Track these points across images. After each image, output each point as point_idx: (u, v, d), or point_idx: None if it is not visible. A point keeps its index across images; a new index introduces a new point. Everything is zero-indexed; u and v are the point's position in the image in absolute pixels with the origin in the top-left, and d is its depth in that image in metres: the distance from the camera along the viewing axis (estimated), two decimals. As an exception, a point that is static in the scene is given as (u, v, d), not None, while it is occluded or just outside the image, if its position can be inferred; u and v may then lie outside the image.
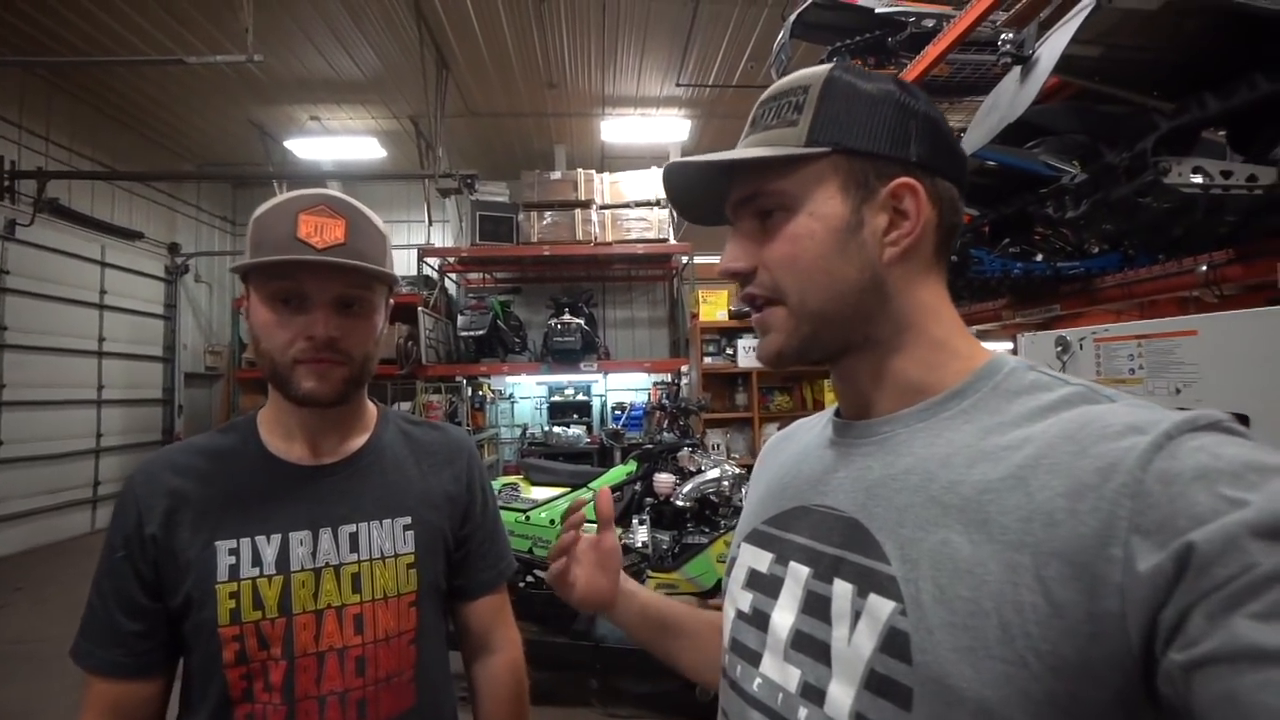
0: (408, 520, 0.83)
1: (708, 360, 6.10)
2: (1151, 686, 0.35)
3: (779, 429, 0.75)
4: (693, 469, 3.15)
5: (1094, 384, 0.46)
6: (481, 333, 5.73)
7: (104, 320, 6.41)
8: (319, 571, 0.77)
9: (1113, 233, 1.53)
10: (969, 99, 1.98)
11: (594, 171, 6.28)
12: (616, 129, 6.91)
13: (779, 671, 0.50)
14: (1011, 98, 1.38)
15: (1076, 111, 1.57)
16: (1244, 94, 1.16)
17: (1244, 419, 0.91)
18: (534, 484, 3.27)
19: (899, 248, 0.50)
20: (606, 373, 6.76)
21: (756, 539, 0.58)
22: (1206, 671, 0.32)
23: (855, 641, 0.45)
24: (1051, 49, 1.26)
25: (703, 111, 6.75)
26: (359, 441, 0.85)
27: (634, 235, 6.18)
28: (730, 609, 0.58)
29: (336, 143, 7.10)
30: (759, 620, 0.54)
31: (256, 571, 0.74)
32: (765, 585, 0.54)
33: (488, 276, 7.34)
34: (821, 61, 0.57)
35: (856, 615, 0.45)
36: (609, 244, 6.15)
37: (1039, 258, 1.77)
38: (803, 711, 0.47)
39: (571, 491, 3.12)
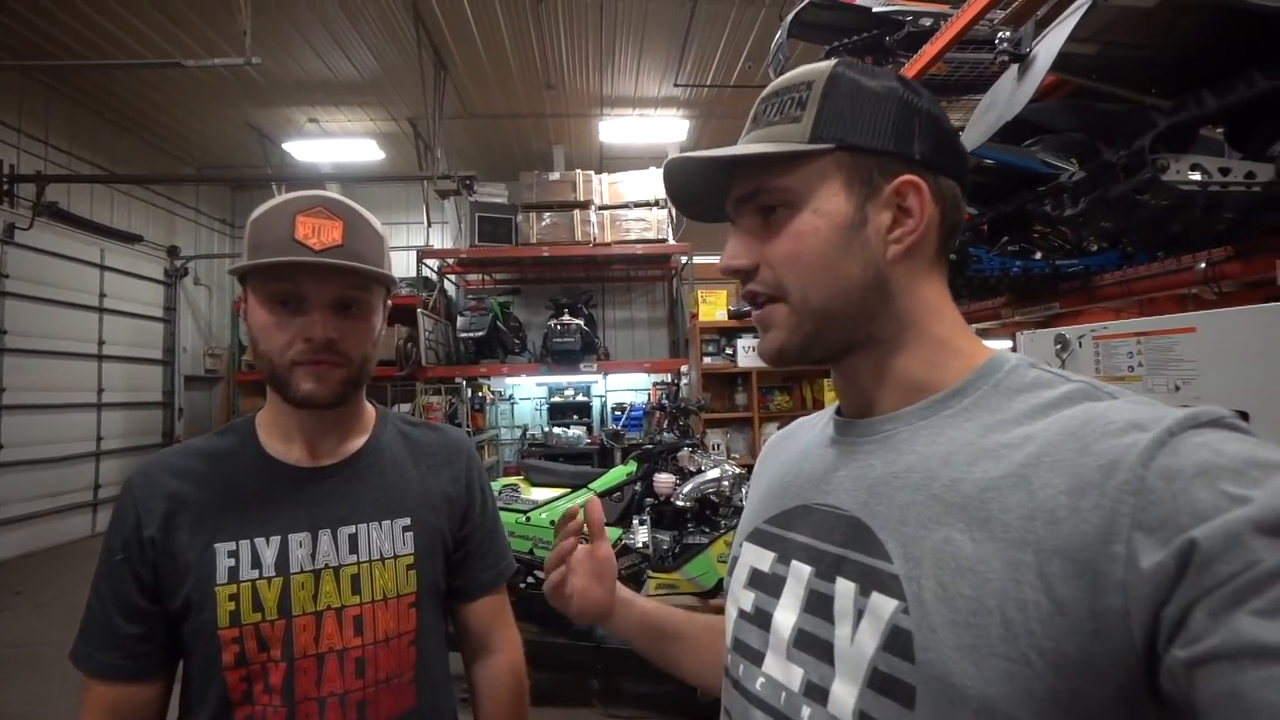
0: (407, 521, 0.83)
1: (707, 360, 6.09)
2: (1154, 683, 0.35)
3: (779, 429, 0.74)
4: (693, 469, 3.15)
5: (1095, 381, 0.46)
6: (481, 334, 5.73)
7: (104, 323, 6.41)
8: (318, 573, 0.77)
9: (1111, 230, 1.53)
10: (967, 97, 1.98)
11: (593, 172, 6.29)
12: (615, 130, 6.91)
13: (782, 671, 0.50)
14: (1009, 96, 1.38)
15: (1074, 109, 1.57)
16: (1241, 91, 1.16)
17: (1244, 415, 0.91)
18: (534, 485, 3.27)
19: (903, 245, 0.50)
20: (606, 373, 6.76)
21: (758, 538, 0.58)
22: (1209, 668, 0.32)
23: (858, 640, 0.44)
24: (1048, 47, 1.26)
25: (701, 111, 6.75)
26: (358, 443, 0.85)
27: (633, 236, 6.18)
28: (732, 608, 0.58)
29: (335, 145, 7.11)
30: (761, 619, 0.53)
31: (256, 573, 0.74)
32: (767, 584, 0.54)
33: (487, 278, 7.34)
34: (821, 60, 0.56)
35: (859, 614, 0.45)
36: (608, 244, 6.16)
37: (1038, 256, 1.77)
38: (806, 710, 0.47)
39: (572, 492, 3.12)
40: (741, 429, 6.08)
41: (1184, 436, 0.37)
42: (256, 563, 0.75)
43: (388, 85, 6.02)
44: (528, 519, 3.00)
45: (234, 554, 0.74)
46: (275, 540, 0.76)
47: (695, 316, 6.09)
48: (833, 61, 0.53)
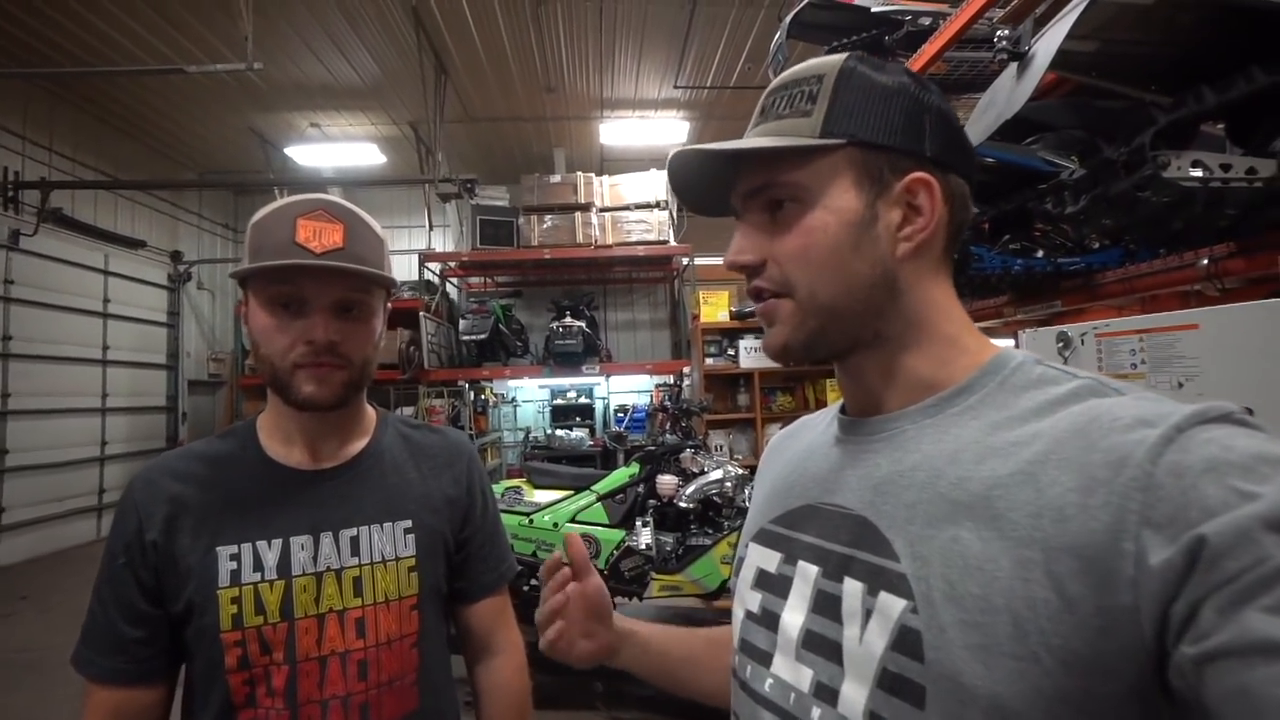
0: (408, 523, 0.83)
1: (709, 361, 6.09)
2: (1165, 680, 0.34)
3: (781, 429, 0.74)
4: (696, 470, 3.15)
5: (1102, 377, 0.45)
6: (483, 336, 5.73)
7: (108, 329, 6.44)
8: (320, 576, 0.77)
9: (1113, 228, 1.52)
10: (966, 96, 1.98)
11: (593, 174, 6.30)
12: (615, 132, 6.93)
13: (791, 671, 0.50)
14: (1008, 94, 1.38)
15: (1074, 107, 1.57)
16: (1241, 87, 1.16)
17: (1248, 411, 0.90)
18: (537, 487, 3.27)
19: (913, 243, 0.50)
20: (608, 375, 6.76)
21: (764, 539, 0.58)
22: (1218, 665, 0.31)
23: (867, 640, 0.44)
24: (1047, 45, 1.26)
25: (701, 113, 6.76)
26: (359, 445, 0.86)
27: (634, 237, 6.18)
28: (739, 609, 0.58)
29: (336, 149, 7.13)
30: (769, 620, 0.53)
31: (258, 576, 0.74)
32: (774, 585, 0.54)
33: (489, 280, 7.35)
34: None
35: (867, 614, 0.45)
36: (609, 246, 6.16)
37: (1039, 254, 1.76)
38: (816, 711, 0.47)
39: (575, 494, 3.12)
40: (744, 430, 6.07)
41: (1192, 432, 0.37)
42: (258, 566, 0.75)
43: (388, 89, 6.03)
44: (531, 521, 3.00)
45: (236, 557, 0.74)
46: (277, 543, 0.76)
47: (697, 318, 6.09)
48: (843, 55, 0.52)
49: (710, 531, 3.03)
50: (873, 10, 1.87)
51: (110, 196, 6.54)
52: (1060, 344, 1.36)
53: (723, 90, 6.28)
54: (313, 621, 0.75)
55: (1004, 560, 0.39)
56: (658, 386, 6.44)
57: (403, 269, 6.35)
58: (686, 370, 6.10)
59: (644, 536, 2.92)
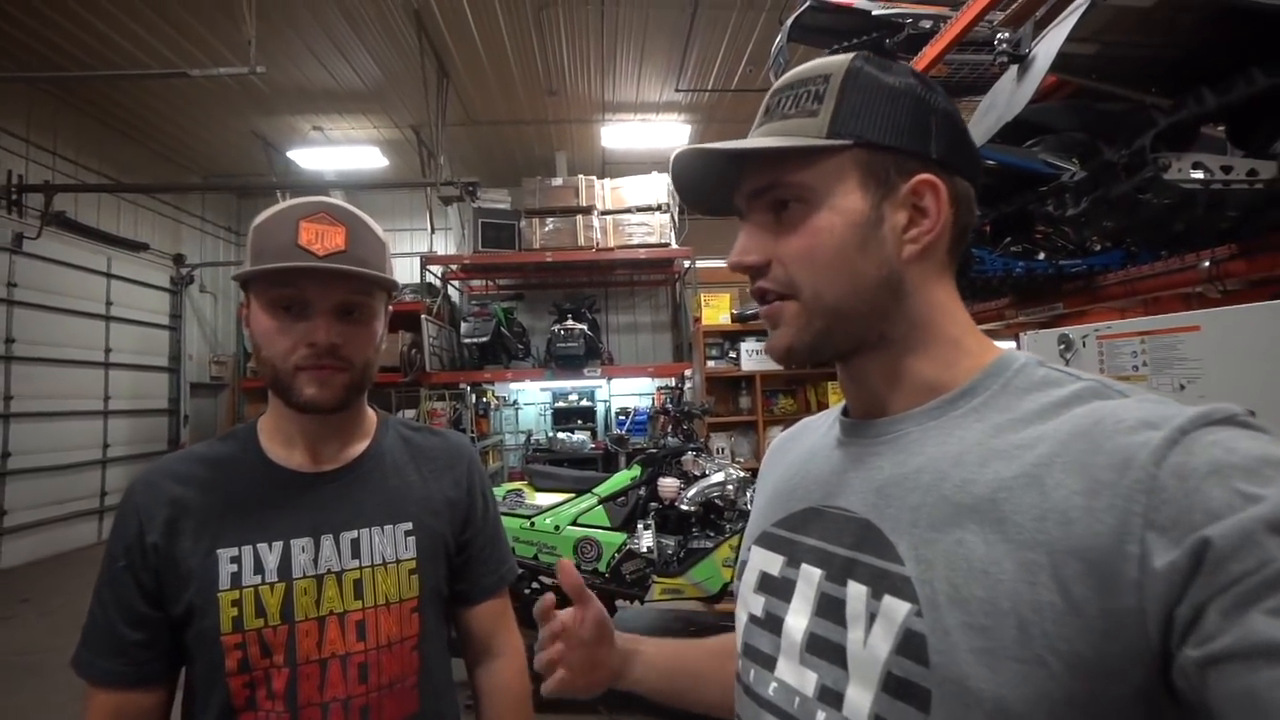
0: (409, 526, 0.83)
1: (711, 364, 6.09)
2: (1170, 682, 0.34)
3: (783, 431, 0.73)
4: (697, 473, 3.15)
5: (1105, 379, 0.45)
6: (485, 339, 5.74)
7: (110, 331, 6.45)
8: (321, 578, 0.77)
9: (1114, 230, 1.52)
10: (967, 99, 1.98)
11: (595, 177, 6.30)
12: (617, 135, 6.93)
13: (795, 675, 0.49)
14: (1009, 97, 1.38)
15: (1075, 109, 1.57)
16: (1241, 89, 1.16)
17: (1249, 414, 0.90)
18: (538, 490, 3.27)
19: (919, 245, 0.50)
20: (610, 378, 6.75)
21: (766, 542, 0.58)
22: (1222, 668, 0.31)
23: (871, 644, 0.44)
24: (1047, 47, 1.26)
25: (702, 116, 6.77)
26: (359, 448, 0.86)
27: (636, 240, 6.18)
28: (742, 613, 0.58)
29: (339, 152, 7.15)
30: (772, 624, 0.53)
31: (259, 579, 0.74)
32: (777, 588, 0.54)
33: (490, 283, 7.36)
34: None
35: (871, 617, 0.45)
36: (611, 249, 6.16)
37: (1041, 256, 1.76)
38: (821, 715, 0.47)
39: (576, 497, 3.12)
40: (746, 432, 6.06)
41: (1196, 434, 0.37)
42: (259, 568, 0.75)
43: (391, 93, 6.05)
44: (532, 524, 2.99)
45: (236, 559, 0.74)
46: (278, 545, 0.76)
47: (698, 320, 6.09)
48: (850, 55, 0.51)
49: (712, 534, 3.02)
50: (874, 13, 1.87)
51: (113, 200, 6.56)
52: (1062, 346, 1.36)
53: (724, 93, 6.29)
54: (313, 624, 0.75)
55: (1009, 563, 0.39)
56: (659, 389, 6.44)
57: (404, 272, 6.36)
58: (688, 373, 6.10)
59: (645, 539, 2.92)
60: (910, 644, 0.42)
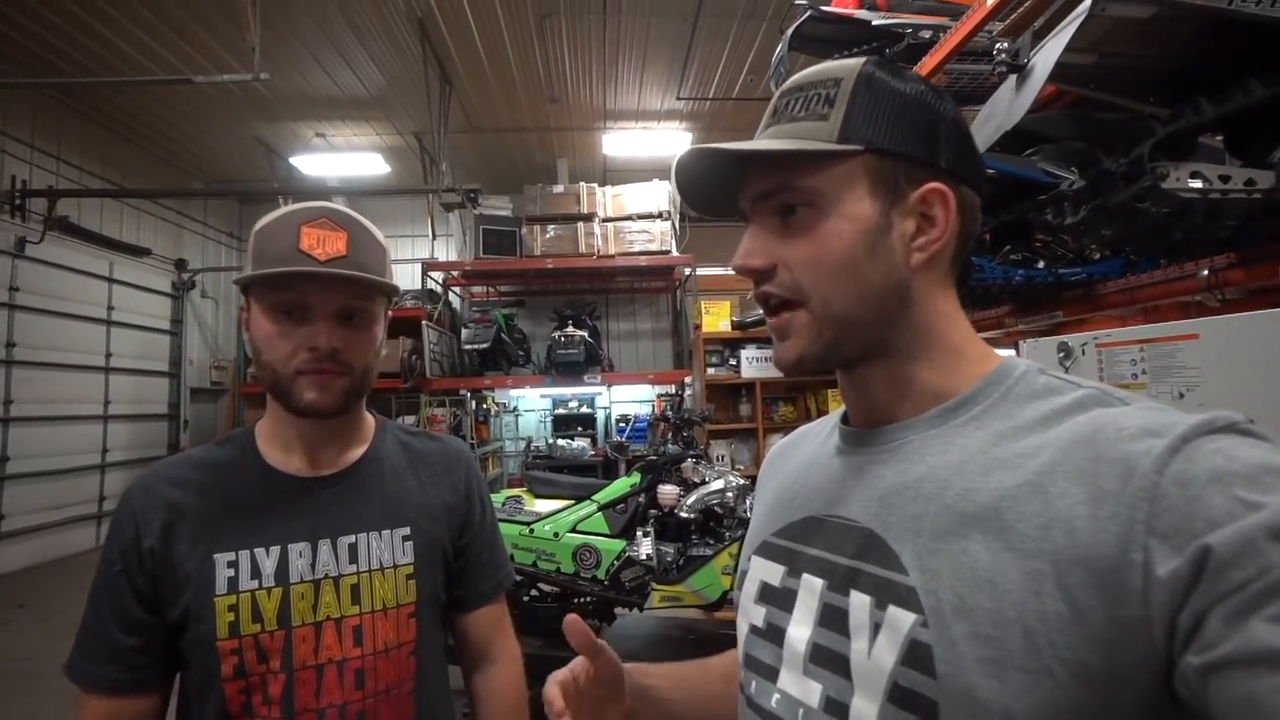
0: (406, 531, 0.83)
1: (711, 371, 6.08)
2: (1173, 689, 0.34)
3: (781, 439, 0.73)
4: (697, 480, 3.14)
5: (1106, 386, 0.45)
6: (485, 346, 5.74)
7: (111, 336, 6.45)
8: (318, 583, 0.77)
9: (1113, 238, 1.52)
10: (967, 108, 1.99)
11: (596, 185, 6.32)
12: (618, 143, 6.97)
13: (798, 686, 0.49)
14: (1008, 106, 1.39)
15: (1073, 119, 1.57)
16: (1239, 99, 1.17)
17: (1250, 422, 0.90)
18: (538, 497, 3.26)
19: (926, 254, 0.49)
20: (610, 385, 6.76)
21: (766, 551, 0.57)
22: (1224, 675, 0.31)
23: (875, 654, 0.44)
24: (1046, 57, 1.27)
25: (703, 124, 6.80)
26: (357, 452, 0.86)
27: (637, 247, 6.20)
28: (743, 624, 0.57)
29: (341, 159, 7.18)
30: (774, 635, 0.52)
31: (255, 584, 0.74)
32: (778, 599, 0.53)
33: (491, 290, 7.37)
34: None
35: (876, 627, 0.44)
36: (612, 256, 6.18)
37: (1040, 264, 1.76)
38: None
39: (576, 504, 3.11)
40: (746, 440, 6.05)
41: (1198, 442, 0.37)
42: (256, 573, 0.75)
43: (393, 100, 6.09)
44: (531, 531, 2.98)
45: (233, 564, 0.74)
46: (275, 550, 0.76)
47: (699, 327, 6.09)
48: (861, 60, 0.51)
49: (711, 542, 3.01)
50: (874, 23, 1.88)
51: (116, 205, 6.58)
52: (1061, 354, 1.36)
53: (725, 102, 6.32)
54: (310, 629, 0.75)
55: (1014, 573, 0.39)
56: (659, 396, 6.45)
57: (406, 278, 6.37)
58: (688, 380, 6.10)
59: (645, 547, 2.91)
60: (916, 655, 0.41)
